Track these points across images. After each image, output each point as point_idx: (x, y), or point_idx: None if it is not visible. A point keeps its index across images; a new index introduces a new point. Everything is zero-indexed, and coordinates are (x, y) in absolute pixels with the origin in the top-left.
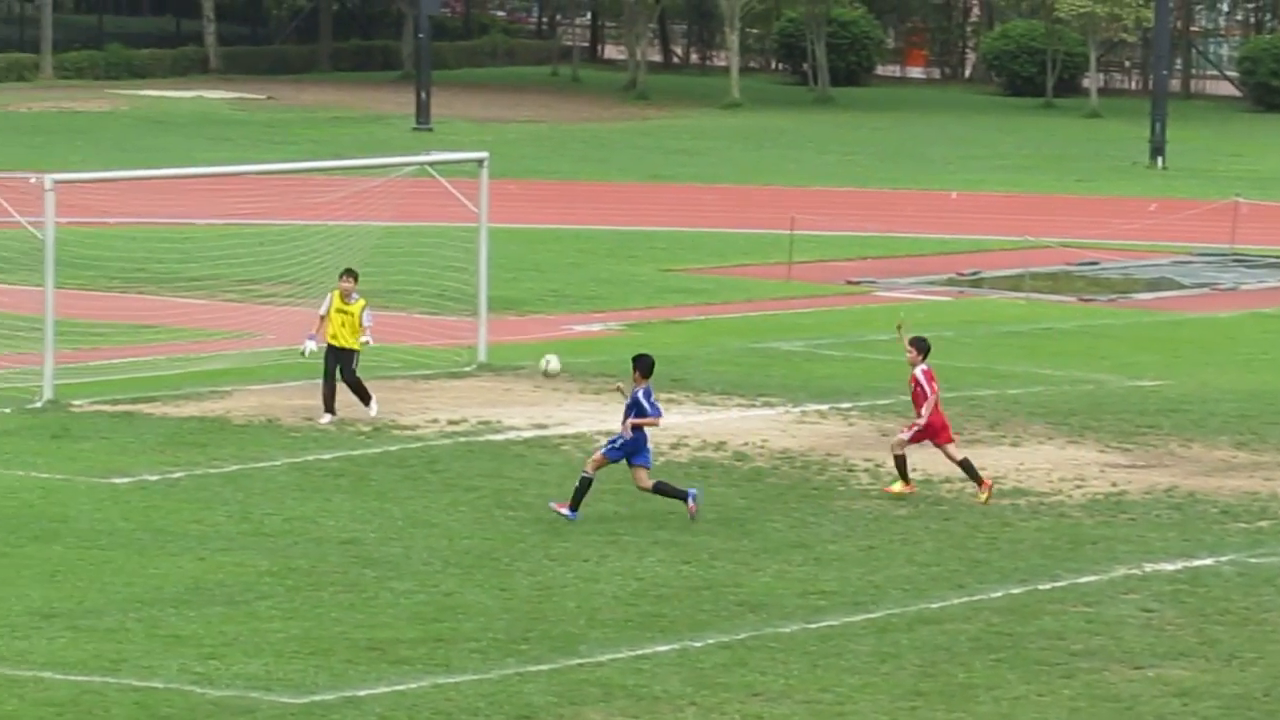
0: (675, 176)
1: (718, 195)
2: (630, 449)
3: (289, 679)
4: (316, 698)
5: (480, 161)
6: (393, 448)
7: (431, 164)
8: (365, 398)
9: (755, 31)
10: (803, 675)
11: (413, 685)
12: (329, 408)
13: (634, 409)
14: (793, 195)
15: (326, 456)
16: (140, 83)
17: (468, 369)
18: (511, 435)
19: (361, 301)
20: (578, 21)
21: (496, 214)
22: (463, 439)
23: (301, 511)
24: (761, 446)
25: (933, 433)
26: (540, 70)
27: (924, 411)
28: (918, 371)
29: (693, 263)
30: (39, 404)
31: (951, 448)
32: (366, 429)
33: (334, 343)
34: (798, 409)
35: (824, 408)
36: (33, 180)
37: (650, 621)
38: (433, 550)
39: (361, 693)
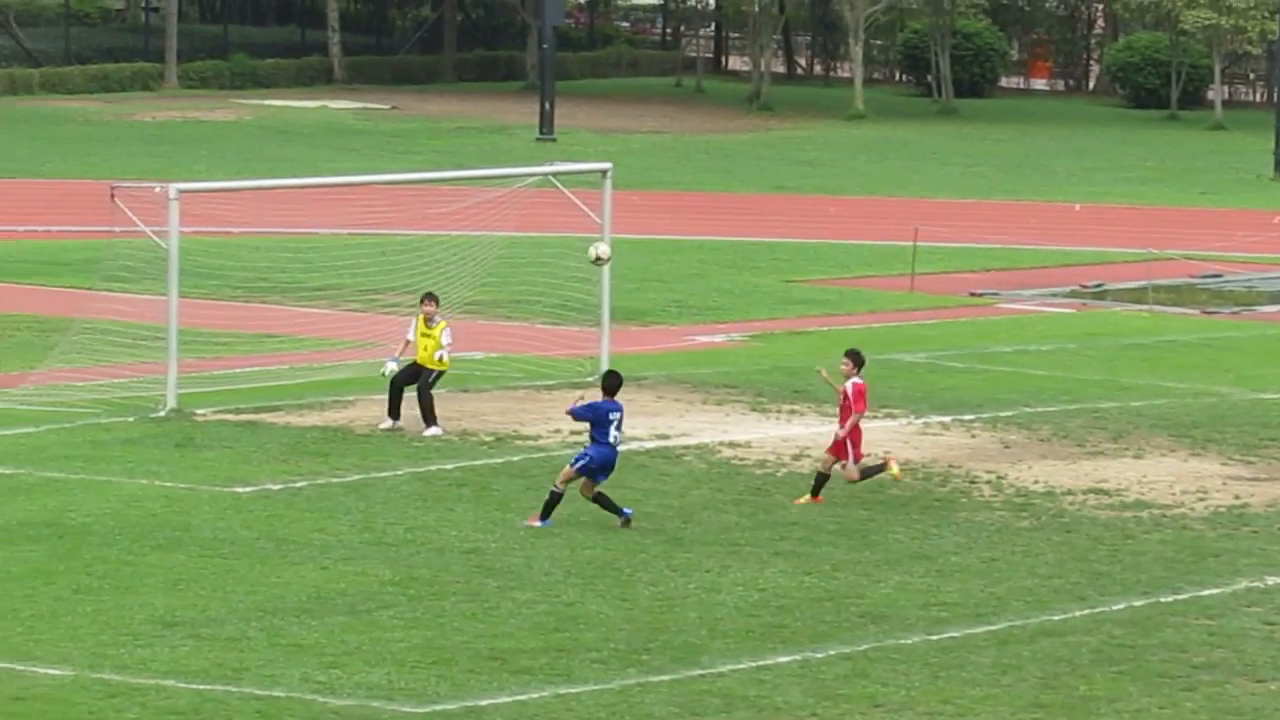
0: (798, 187)
1: (841, 206)
2: (597, 467)
3: (411, 688)
4: (438, 707)
5: (604, 172)
6: (515, 458)
7: (555, 174)
8: (430, 420)
9: (879, 43)
10: (924, 687)
11: (534, 695)
12: (392, 414)
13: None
14: (916, 206)
15: (449, 466)
16: (264, 92)
17: (590, 379)
18: (634, 446)
19: (443, 324)
20: (702, 32)
21: (619, 224)
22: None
23: (423, 521)
24: (883, 458)
25: (838, 446)
26: (664, 81)
27: (845, 427)
28: (848, 385)
29: (815, 274)
30: (162, 413)
31: (832, 461)
32: (489, 439)
33: (422, 364)
34: (920, 420)
35: (946, 419)
36: (157, 190)
37: (772, 632)
38: (554, 560)
39: (483, 702)
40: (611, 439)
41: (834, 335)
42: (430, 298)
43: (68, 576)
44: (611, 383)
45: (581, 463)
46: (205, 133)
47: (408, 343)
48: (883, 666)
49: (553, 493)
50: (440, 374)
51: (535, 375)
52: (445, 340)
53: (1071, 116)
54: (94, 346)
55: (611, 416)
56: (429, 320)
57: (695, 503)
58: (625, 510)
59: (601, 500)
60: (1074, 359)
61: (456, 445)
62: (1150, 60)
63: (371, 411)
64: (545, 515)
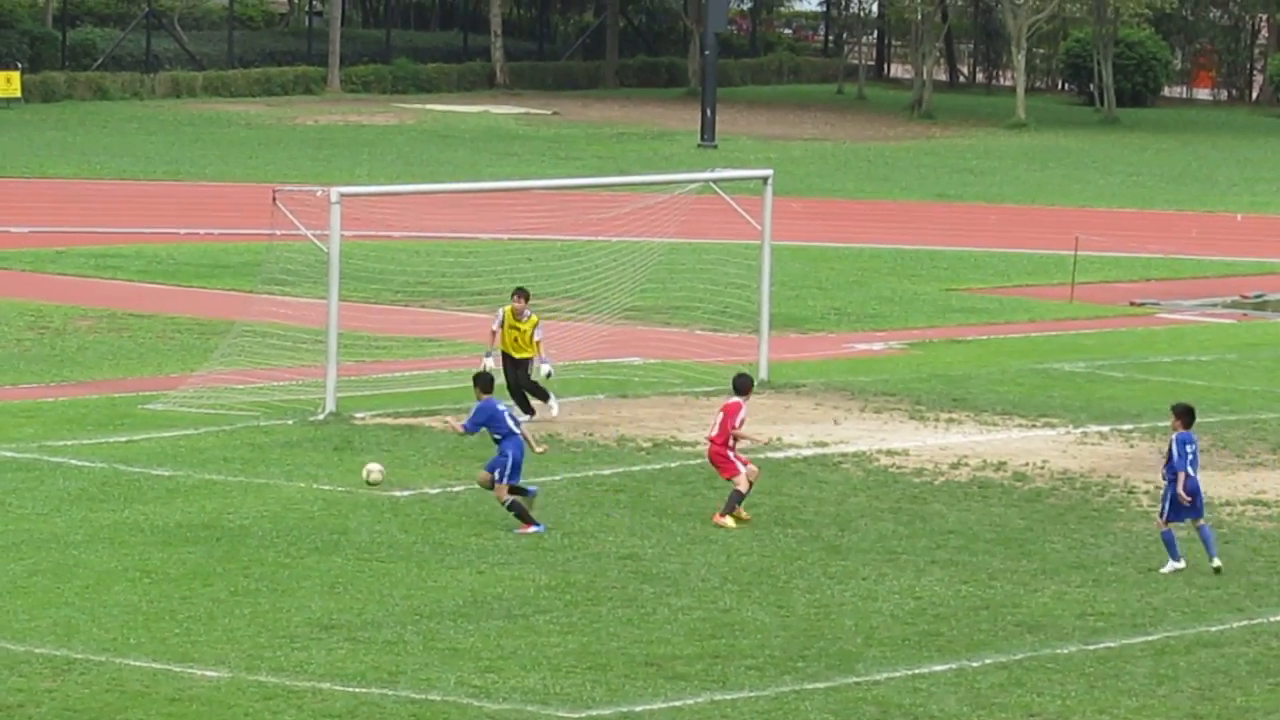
0: (959, 196)
1: (1001, 215)
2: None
3: (566, 693)
4: (593, 712)
5: (765, 179)
6: (672, 464)
7: (716, 181)
8: (544, 395)
9: (1042, 51)
10: (1080, 696)
11: (689, 701)
12: (527, 410)
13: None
14: (1077, 216)
15: (606, 472)
16: (427, 97)
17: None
18: (791, 453)
19: (534, 319)
20: (864, 40)
21: (780, 231)
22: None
23: (580, 526)
24: (1042, 467)
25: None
26: (826, 88)
27: (737, 430)
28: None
29: (976, 282)
30: (321, 416)
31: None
32: (646, 445)
33: (509, 353)
34: (1079, 430)
35: (1105, 429)
36: (319, 193)
37: (928, 641)
38: (711, 566)
39: (638, 708)
40: (512, 426)
41: (993, 344)
42: (521, 293)
43: (225, 579)
44: (483, 382)
45: (501, 468)
46: (367, 137)
47: (493, 332)
48: (1039, 676)
49: (509, 507)
50: (531, 361)
51: (694, 381)
52: (539, 336)
53: (1234, 126)
54: (254, 349)
55: (500, 408)
56: (518, 315)
57: (852, 510)
58: (540, 524)
59: (517, 509)
60: (1234, 369)
61: (614, 451)
62: None
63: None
64: (528, 521)
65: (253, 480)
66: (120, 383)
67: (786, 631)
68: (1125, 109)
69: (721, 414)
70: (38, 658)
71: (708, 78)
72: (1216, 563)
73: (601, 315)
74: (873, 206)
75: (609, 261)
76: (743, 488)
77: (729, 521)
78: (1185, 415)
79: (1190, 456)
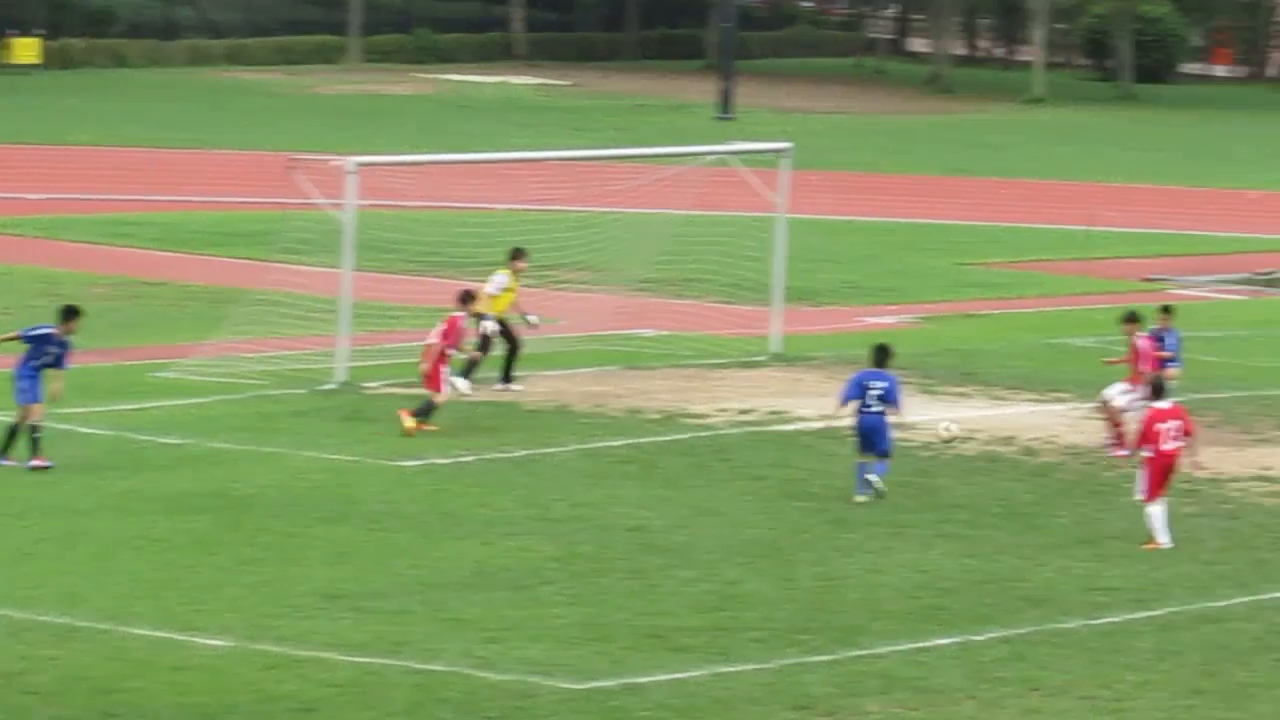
0: (976, 170)
1: (1017, 190)
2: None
3: (570, 664)
4: (597, 684)
5: (783, 152)
6: (682, 436)
7: (734, 153)
8: (509, 378)
9: (1061, 27)
10: (1082, 671)
11: (693, 673)
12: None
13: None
14: (1092, 191)
15: (615, 443)
16: (446, 67)
17: (760, 359)
18: (801, 426)
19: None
20: (884, 13)
21: (795, 204)
22: (752, 428)
23: (589, 498)
24: (1050, 442)
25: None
26: (845, 61)
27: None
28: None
29: (990, 257)
30: (332, 386)
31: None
32: (656, 417)
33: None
34: (1088, 405)
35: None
36: (335, 163)
37: (932, 614)
38: (718, 539)
39: (642, 679)
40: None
41: (1006, 319)
42: (523, 253)
43: (231, 548)
44: (68, 312)
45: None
46: (385, 106)
47: (491, 297)
48: (1042, 650)
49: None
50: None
51: (705, 354)
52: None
53: (1252, 103)
54: (266, 318)
55: (50, 344)
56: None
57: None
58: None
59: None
60: (1245, 346)
61: (623, 422)
62: None
63: (540, 387)
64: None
65: (261, 449)
66: (131, 350)
67: (792, 604)
68: (1143, 85)
69: (445, 324)
70: (41, 625)
71: (727, 50)
72: (859, 498)
73: (615, 287)
74: (889, 180)
75: (624, 233)
76: (440, 400)
77: (411, 423)
78: (875, 354)
79: (881, 393)
